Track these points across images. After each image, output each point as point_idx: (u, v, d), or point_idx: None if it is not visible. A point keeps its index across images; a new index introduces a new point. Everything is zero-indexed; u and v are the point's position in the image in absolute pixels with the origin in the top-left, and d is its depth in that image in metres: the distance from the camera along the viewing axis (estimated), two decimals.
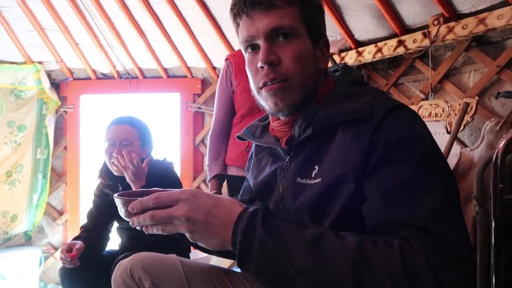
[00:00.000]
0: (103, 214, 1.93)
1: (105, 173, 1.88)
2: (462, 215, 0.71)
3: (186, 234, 0.72)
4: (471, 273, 0.66)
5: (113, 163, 1.77)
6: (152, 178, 1.82)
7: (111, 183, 1.86)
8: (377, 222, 0.71)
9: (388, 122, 0.76)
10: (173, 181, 1.89)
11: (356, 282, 0.62)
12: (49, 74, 3.57)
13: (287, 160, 0.93)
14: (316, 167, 0.83)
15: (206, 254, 2.87)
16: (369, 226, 0.73)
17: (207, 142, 2.22)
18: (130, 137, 1.83)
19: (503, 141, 1.26)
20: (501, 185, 1.22)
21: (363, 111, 0.78)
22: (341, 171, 0.77)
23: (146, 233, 0.75)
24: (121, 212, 0.77)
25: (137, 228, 0.76)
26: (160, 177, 1.84)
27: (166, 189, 0.95)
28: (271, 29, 0.83)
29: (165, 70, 3.45)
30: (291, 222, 0.71)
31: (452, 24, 2.06)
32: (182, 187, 1.92)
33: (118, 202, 0.77)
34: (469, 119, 1.95)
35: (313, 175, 0.84)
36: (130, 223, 0.75)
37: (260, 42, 0.85)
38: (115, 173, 1.81)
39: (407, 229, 0.66)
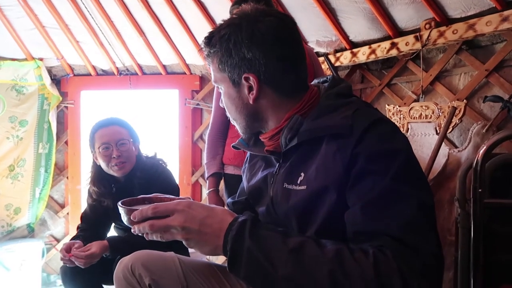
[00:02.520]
0: (99, 216, 1.93)
1: (98, 181, 1.86)
2: (434, 226, 0.77)
3: (183, 241, 0.80)
4: (438, 280, 0.74)
5: (114, 165, 1.79)
6: (145, 174, 1.83)
7: (105, 188, 1.86)
8: (356, 230, 0.78)
9: (368, 136, 0.81)
10: (167, 179, 1.90)
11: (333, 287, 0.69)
12: (49, 70, 3.62)
13: (277, 166, 1.00)
14: (302, 174, 0.90)
15: None
16: (349, 233, 0.80)
17: (205, 138, 2.28)
18: (123, 136, 1.82)
19: (483, 148, 1.33)
20: (480, 190, 1.30)
21: (343, 127, 0.84)
22: (324, 182, 0.84)
23: (146, 239, 0.83)
24: (124, 219, 0.84)
25: (139, 234, 0.84)
26: (153, 173, 1.85)
27: (165, 195, 1.03)
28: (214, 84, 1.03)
29: (164, 67, 3.50)
30: (276, 231, 0.78)
31: (443, 28, 2.12)
32: (176, 185, 1.96)
33: (121, 210, 0.85)
34: (457, 121, 2.03)
35: (298, 182, 0.90)
36: (132, 230, 0.83)
37: None
38: (116, 174, 1.82)
39: (383, 239, 0.73)
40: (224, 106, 1.02)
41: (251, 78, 0.93)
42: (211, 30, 0.99)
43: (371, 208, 0.76)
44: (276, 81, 0.94)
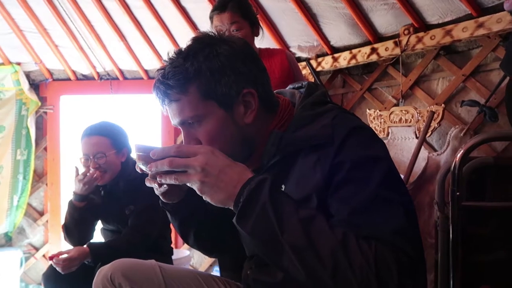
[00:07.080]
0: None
1: None
2: (419, 232, 0.78)
3: (196, 186, 0.77)
4: (425, 283, 0.76)
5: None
6: (128, 184, 1.84)
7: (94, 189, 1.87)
8: None
9: (348, 144, 0.81)
10: (150, 190, 1.89)
11: (333, 267, 0.69)
12: (27, 75, 3.54)
13: None
14: (283, 186, 0.89)
15: (188, 253, 2.93)
16: None
17: None
18: (102, 148, 1.82)
19: (461, 152, 1.36)
20: (458, 193, 1.32)
21: (324, 136, 0.84)
22: (305, 192, 0.83)
23: (158, 184, 0.83)
24: (139, 160, 0.81)
25: (149, 182, 0.84)
26: (137, 184, 1.77)
27: None
28: (178, 122, 0.89)
29: (146, 71, 3.47)
30: (291, 198, 0.78)
31: (421, 34, 2.17)
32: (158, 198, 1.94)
33: (138, 148, 0.81)
34: (436, 125, 2.07)
35: None
36: (148, 167, 0.80)
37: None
38: (96, 182, 1.83)
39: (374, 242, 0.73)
40: (209, 141, 0.88)
41: (251, 92, 0.88)
42: (170, 58, 0.87)
43: (359, 214, 0.76)
44: (266, 94, 0.92)
